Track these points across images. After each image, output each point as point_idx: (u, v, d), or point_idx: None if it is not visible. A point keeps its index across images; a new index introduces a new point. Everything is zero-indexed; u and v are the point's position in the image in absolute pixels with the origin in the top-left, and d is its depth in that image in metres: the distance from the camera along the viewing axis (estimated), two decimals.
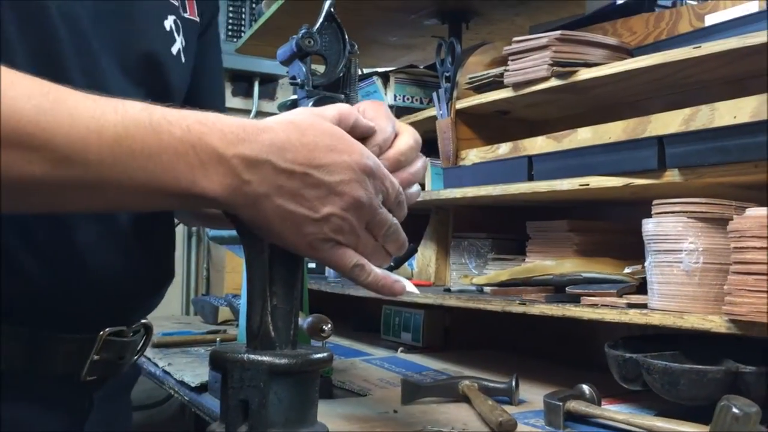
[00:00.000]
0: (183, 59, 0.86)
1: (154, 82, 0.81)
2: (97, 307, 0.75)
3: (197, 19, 0.91)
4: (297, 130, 0.57)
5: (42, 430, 0.73)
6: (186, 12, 0.88)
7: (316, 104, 0.89)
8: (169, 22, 0.84)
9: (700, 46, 1.05)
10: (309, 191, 0.57)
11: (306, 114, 0.60)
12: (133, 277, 0.78)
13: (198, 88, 0.93)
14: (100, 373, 0.77)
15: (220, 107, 1.04)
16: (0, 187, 0.51)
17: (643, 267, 1.09)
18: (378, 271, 0.63)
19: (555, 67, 1.28)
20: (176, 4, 0.86)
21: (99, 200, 0.56)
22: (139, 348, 0.85)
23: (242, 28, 3.00)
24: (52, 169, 0.51)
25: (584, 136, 1.25)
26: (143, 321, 0.84)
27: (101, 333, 0.76)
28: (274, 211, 0.57)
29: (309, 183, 0.57)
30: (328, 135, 0.58)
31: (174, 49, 0.84)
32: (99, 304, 0.75)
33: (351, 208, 0.58)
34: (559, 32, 1.28)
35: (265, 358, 0.60)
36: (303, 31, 0.77)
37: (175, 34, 0.85)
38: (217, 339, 1.74)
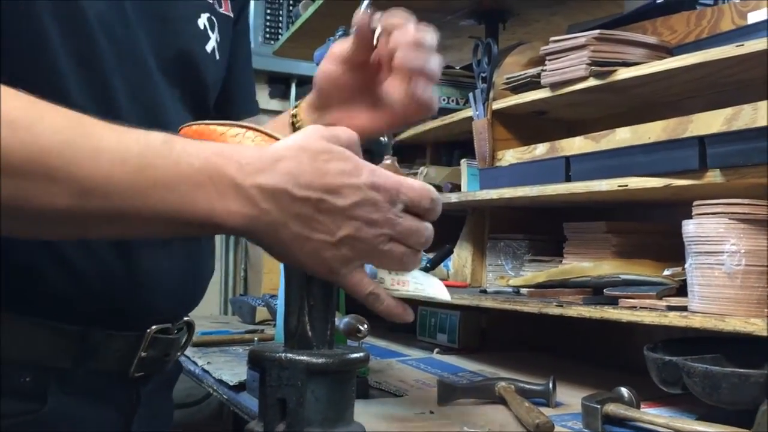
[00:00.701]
0: (217, 56, 0.88)
1: (190, 81, 0.83)
2: (146, 306, 0.77)
3: (231, 14, 0.92)
4: (309, 156, 0.58)
5: (95, 425, 0.75)
6: (221, 7, 0.90)
7: None
8: (202, 21, 0.85)
9: (742, 45, 1.03)
10: (324, 216, 0.57)
11: (316, 137, 0.60)
12: (179, 276, 0.80)
13: (229, 78, 0.95)
14: (148, 370, 0.80)
15: (249, 95, 1.06)
16: (27, 217, 0.53)
17: (684, 269, 1.07)
18: (391, 301, 0.63)
19: (593, 67, 1.26)
20: (211, 0, 0.87)
21: (122, 229, 0.58)
22: (182, 345, 0.87)
23: (279, 31, 3.02)
24: (76, 200, 0.53)
25: (623, 136, 1.23)
26: (186, 319, 0.87)
27: (149, 331, 0.78)
28: (292, 238, 0.58)
29: (323, 208, 0.57)
30: (337, 159, 0.58)
31: (209, 47, 0.86)
32: (147, 302, 0.77)
33: (365, 229, 0.58)
34: (597, 31, 1.27)
35: (303, 358, 0.61)
36: (339, 32, 0.78)
37: (209, 32, 0.86)
38: (255, 338, 1.76)
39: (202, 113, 0.87)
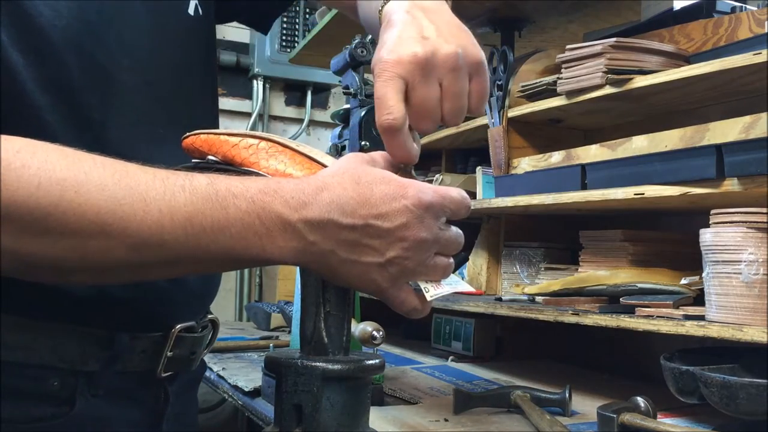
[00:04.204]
0: (200, 11, 0.83)
1: (178, 66, 0.80)
2: (170, 306, 0.78)
3: None
4: (352, 182, 0.59)
5: (125, 426, 0.76)
6: None
7: (369, 113, 0.90)
8: None
9: (760, 53, 1.03)
10: (371, 240, 0.59)
11: (357, 162, 0.62)
12: (199, 275, 0.81)
13: None
14: (175, 369, 0.80)
15: None
16: (89, 270, 0.57)
17: (701, 278, 1.06)
18: (427, 310, 0.65)
19: (609, 75, 1.26)
20: None
21: (177, 270, 0.62)
22: (207, 343, 0.88)
23: (296, 39, 3.04)
24: (132, 252, 0.55)
25: (639, 144, 1.23)
26: (210, 317, 0.87)
27: (173, 330, 0.79)
28: (341, 263, 0.59)
29: (370, 233, 0.59)
30: (380, 182, 0.60)
31: (191, 9, 0.81)
32: (171, 303, 0.78)
33: (413, 248, 0.60)
34: (613, 39, 1.27)
35: (319, 364, 0.61)
36: (356, 41, 0.78)
37: None
38: (270, 345, 1.76)
39: (207, 76, 0.85)
